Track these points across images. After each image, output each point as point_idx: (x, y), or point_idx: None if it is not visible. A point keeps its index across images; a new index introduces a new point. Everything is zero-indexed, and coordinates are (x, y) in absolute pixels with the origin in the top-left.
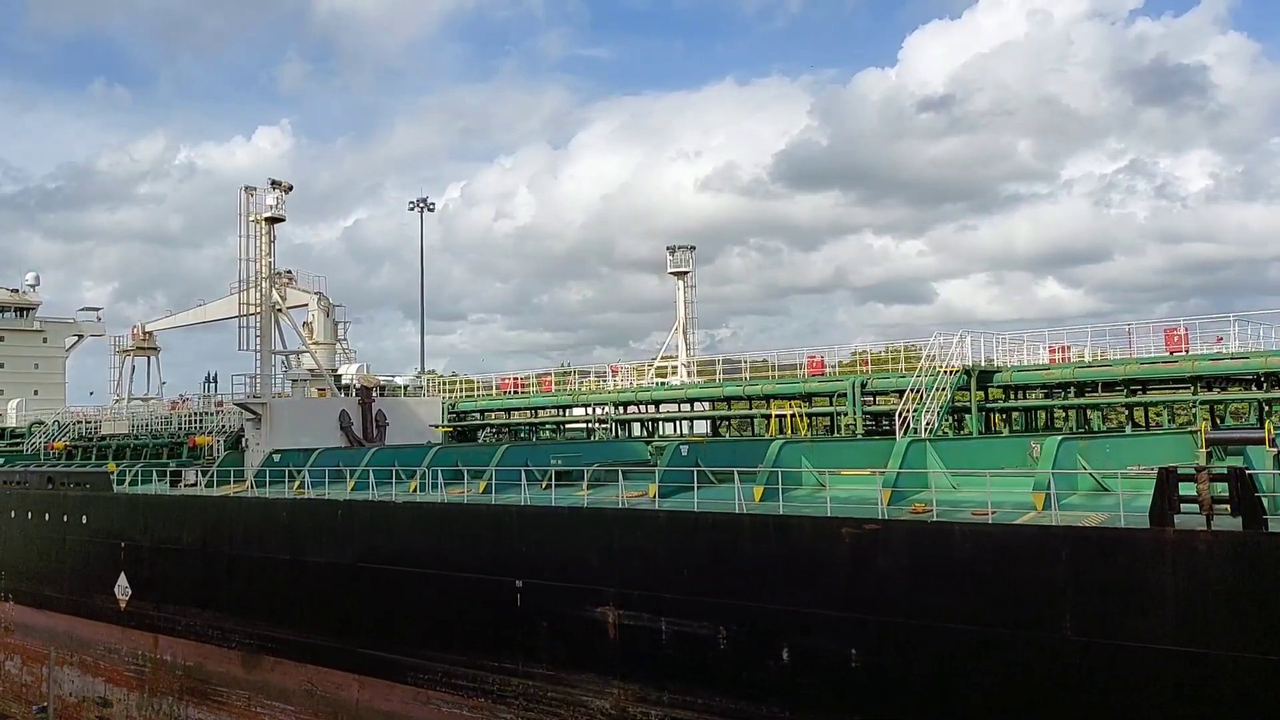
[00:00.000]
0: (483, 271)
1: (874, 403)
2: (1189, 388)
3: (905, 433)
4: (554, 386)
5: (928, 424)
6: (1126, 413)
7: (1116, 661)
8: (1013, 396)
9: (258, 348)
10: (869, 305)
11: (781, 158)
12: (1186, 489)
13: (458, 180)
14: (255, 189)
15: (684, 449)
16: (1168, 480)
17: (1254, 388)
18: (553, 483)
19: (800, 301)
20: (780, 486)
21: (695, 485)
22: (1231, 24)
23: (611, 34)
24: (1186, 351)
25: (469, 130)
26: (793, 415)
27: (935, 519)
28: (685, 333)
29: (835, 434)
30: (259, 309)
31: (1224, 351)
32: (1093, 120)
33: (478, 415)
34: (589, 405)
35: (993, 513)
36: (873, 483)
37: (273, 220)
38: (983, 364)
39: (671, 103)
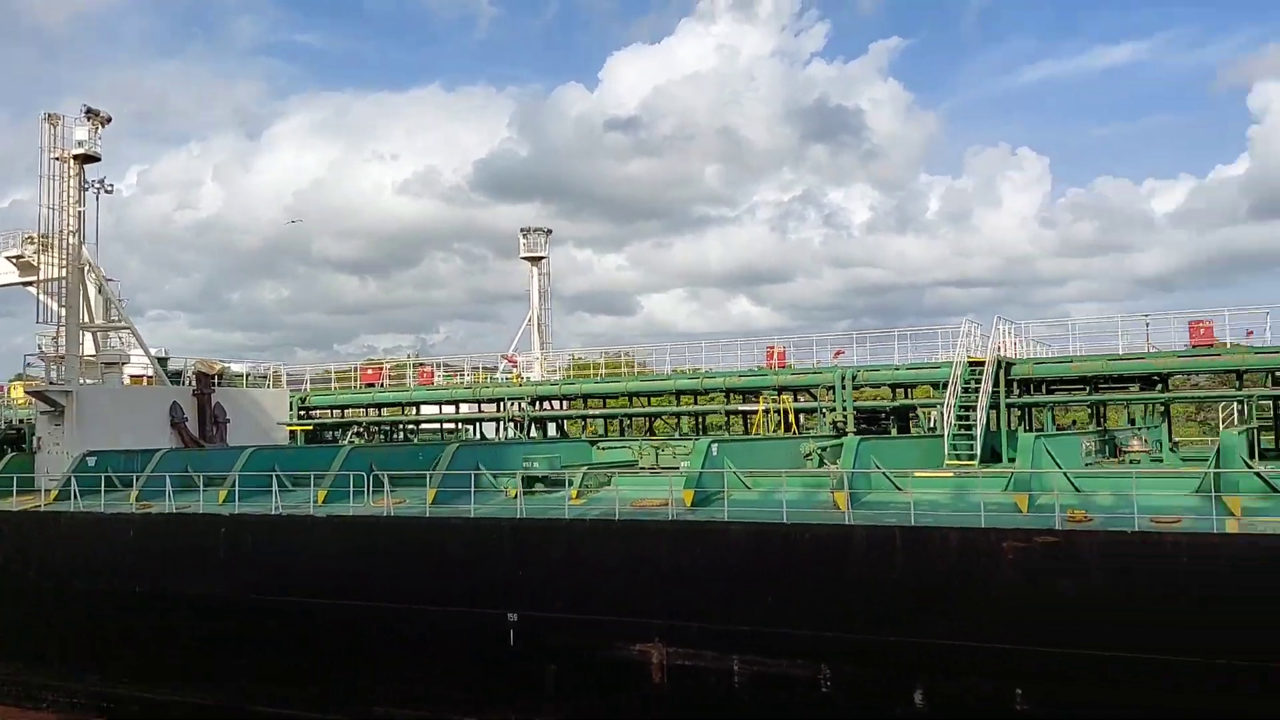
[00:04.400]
0: (162, 264)
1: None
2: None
3: (949, 431)
4: (436, 379)
5: (975, 421)
6: (1163, 409)
7: None
8: (1025, 392)
9: (63, 320)
10: (577, 314)
11: (481, 166)
12: None
13: (136, 165)
14: (60, 117)
15: (714, 448)
16: None
17: None
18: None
19: (512, 308)
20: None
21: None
22: (890, 73)
23: (314, 25)
24: (1213, 345)
25: (147, 113)
26: (776, 411)
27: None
28: (540, 325)
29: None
30: (65, 269)
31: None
32: (768, 152)
33: (336, 412)
34: (497, 400)
35: (1176, 521)
36: (949, 486)
37: (85, 159)
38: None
39: (375, 103)
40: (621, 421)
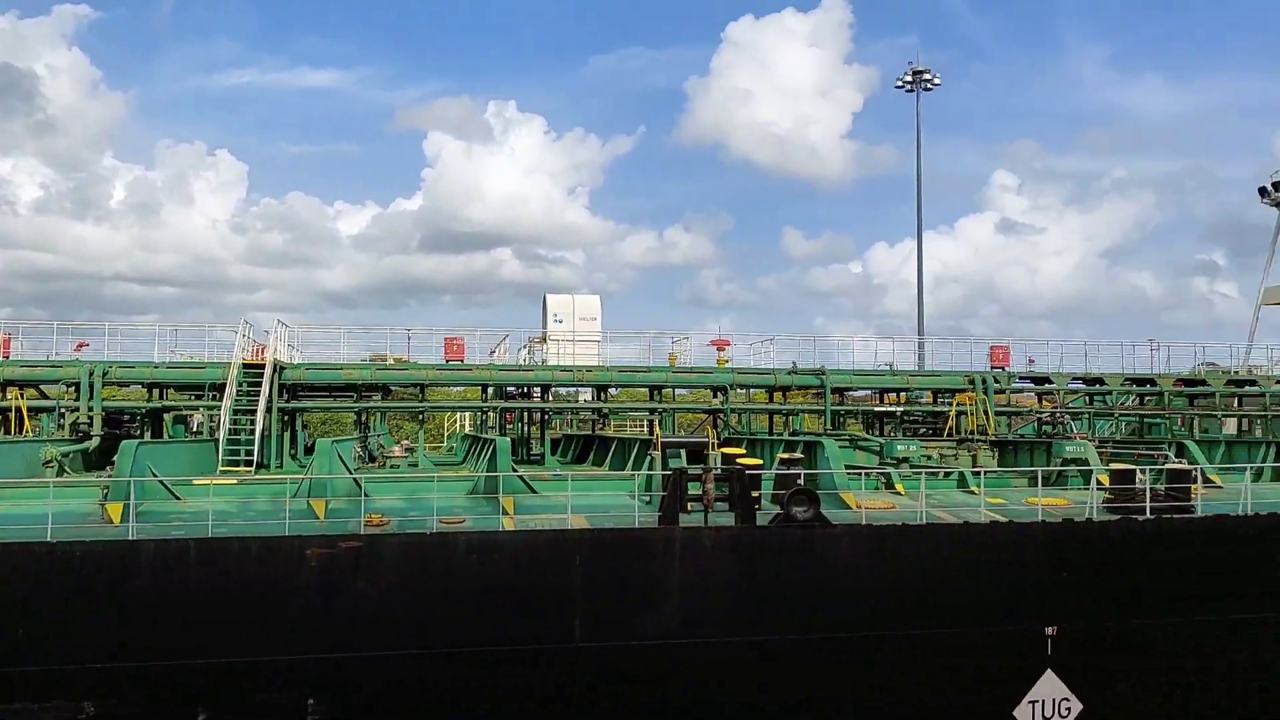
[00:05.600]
0: None
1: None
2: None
3: (224, 436)
4: None
5: (253, 426)
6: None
7: (625, 662)
8: (293, 397)
9: None
10: None
11: None
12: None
13: None
14: None
15: None
16: (679, 480)
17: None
18: None
19: None
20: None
21: None
22: (76, 43)
23: None
24: (464, 360)
25: None
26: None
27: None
28: None
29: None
30: None
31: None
32: None
33: None
34: None
35: (461, 521)
36: (237, 493)
37: None
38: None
39: None
40: None
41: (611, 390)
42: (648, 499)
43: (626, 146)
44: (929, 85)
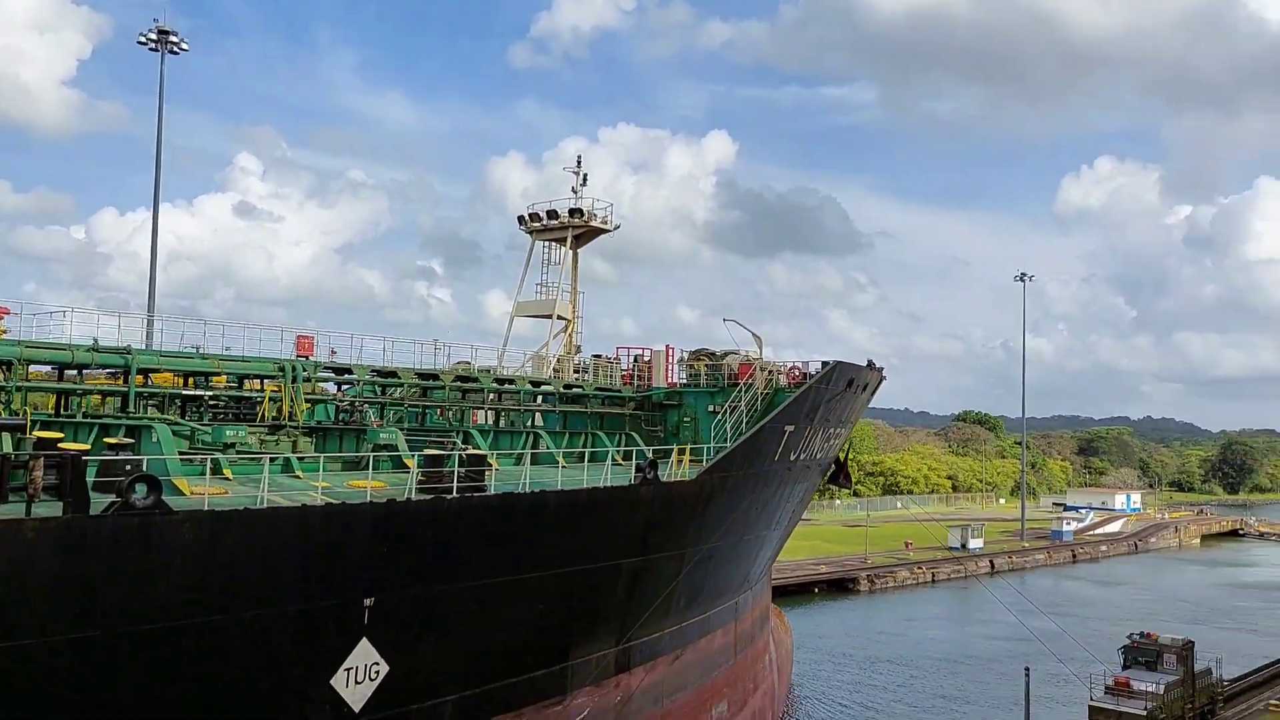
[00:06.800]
0: None
1: None
2: None
3: None
4: None
5: None
6: None
7: None
8: None
9: None
10: None
11: None
12: None
13: None
14: None
15: None
16: (1, 467)
17: None
18: None
19: None
20: None
21: None
22: None
23: None
24: None
25: None
26: None
27: None
28: None
29: None
30: None
31: None
32: None
33: None
34: None
35: None
36: None
37: None
38: None
39: None
40: None
41: None
42: None
43: None
44: (175, 49)
